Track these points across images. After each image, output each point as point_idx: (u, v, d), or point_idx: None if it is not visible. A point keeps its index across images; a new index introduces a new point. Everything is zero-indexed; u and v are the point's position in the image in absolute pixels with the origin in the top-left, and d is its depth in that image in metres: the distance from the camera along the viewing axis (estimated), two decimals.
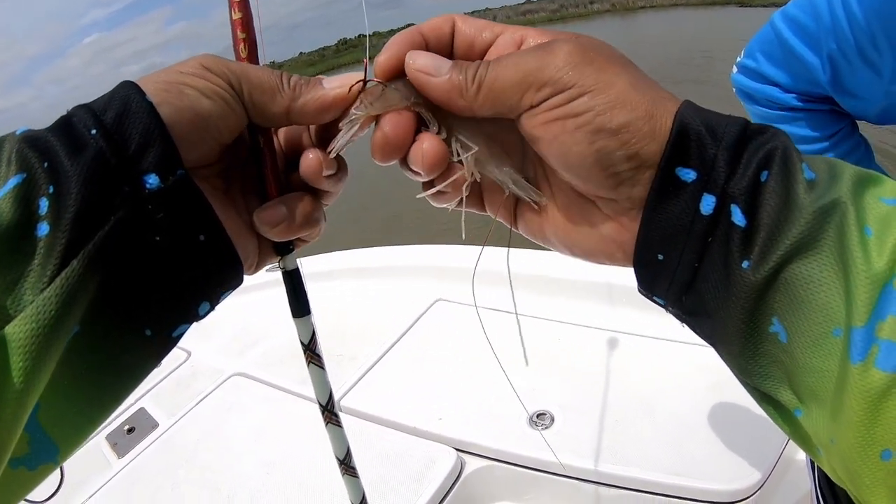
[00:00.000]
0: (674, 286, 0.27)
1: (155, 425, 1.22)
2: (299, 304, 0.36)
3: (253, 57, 0.33)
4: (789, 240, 0.23)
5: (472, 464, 0.98)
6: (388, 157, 0.30)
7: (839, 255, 0.22)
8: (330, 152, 0.31)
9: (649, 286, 0.28)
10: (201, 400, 1.25)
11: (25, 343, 0.22)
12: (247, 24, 0.33)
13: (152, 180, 0.26)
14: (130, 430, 1.21)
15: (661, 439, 0.90)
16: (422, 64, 0.29)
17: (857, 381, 0.21)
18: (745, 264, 0.24)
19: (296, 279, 0.35)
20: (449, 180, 0.30)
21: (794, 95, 0.73)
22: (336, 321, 1.40)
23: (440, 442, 1.01)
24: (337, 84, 0.31)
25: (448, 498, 0.93)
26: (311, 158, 0.32)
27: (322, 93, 0.30)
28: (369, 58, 0.32)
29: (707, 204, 0.25)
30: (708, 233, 0.25)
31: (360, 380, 1.18)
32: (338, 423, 0.39)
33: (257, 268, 0.34)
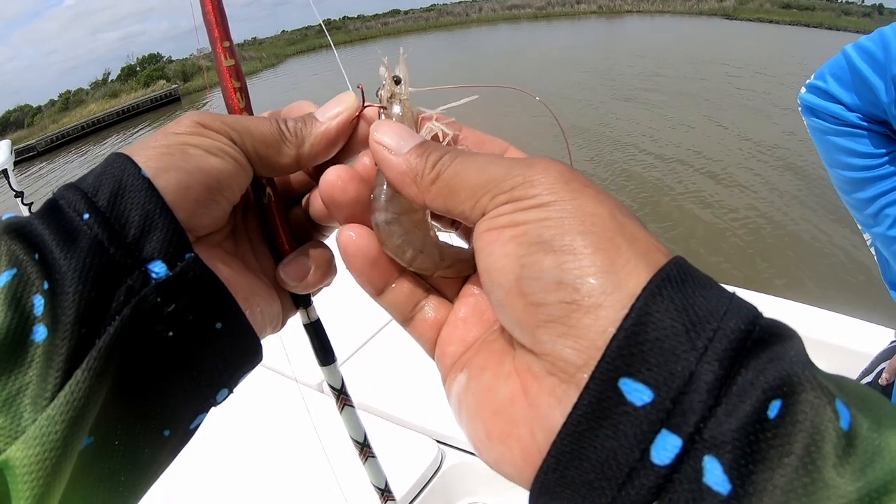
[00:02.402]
0: None
1: None
2: (325, 353, 0.35)
3: (248, 106, 0.31)
4: None
5: (453, 457, 0.97)
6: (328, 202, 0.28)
7: None
8: None
9: None
10: None
11: (32, 469, 0.20)
12: (238, 71, 0.31)
13: (158, 268, 0.23)
14: None
15: None
16: (382, 136, 0.25)
17: None
18: None
19: (319, 329, 0.34)
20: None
21: (857, 115, 0.84)
22: (318, 304, 1.38)
23: (420, 432, 1.00)
24: (333, 113, 0.29)
25: (425, 490, 0.92)
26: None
27: (325, 128, 0.29)
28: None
29: (664, 448, 0.16)
30: (649, 499, 0.16)
31: (342, 363, 1.17)
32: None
33: (282, 325, 0.31)
